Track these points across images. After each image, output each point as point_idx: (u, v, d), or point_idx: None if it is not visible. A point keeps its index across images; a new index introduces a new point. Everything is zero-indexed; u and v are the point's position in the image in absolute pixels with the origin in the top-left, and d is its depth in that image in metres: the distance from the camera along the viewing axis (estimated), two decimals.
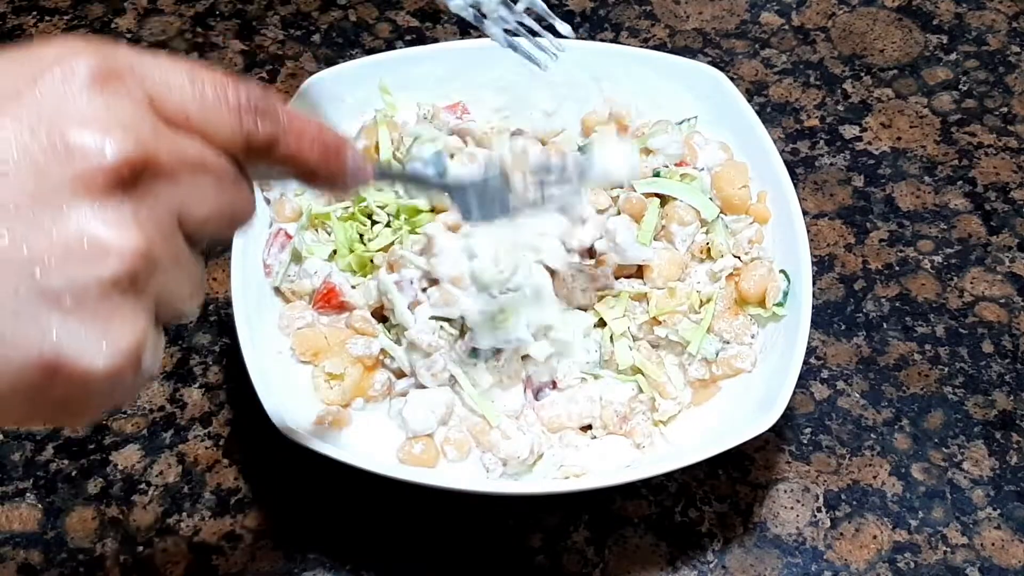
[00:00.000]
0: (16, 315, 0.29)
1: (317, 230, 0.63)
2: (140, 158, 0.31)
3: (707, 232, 0.63)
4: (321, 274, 0.61)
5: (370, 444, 0.58)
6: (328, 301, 0.61)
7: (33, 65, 0.31)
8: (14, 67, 0.31)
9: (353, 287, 0.61)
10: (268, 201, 0.64)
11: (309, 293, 0.61)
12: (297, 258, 0.62)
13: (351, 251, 0.62)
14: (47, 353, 0.30)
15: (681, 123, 0.67)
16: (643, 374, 0.59)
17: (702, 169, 0.65)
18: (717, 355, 0.60)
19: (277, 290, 0.62)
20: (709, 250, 0.63)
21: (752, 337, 0.61)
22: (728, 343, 0.60)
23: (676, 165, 0.64)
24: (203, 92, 0.34)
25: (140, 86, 0.32)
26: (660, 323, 0.60)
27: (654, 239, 0.62)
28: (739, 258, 0.63)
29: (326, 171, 0.38)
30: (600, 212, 0.62)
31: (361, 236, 0.63)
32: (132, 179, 0.31)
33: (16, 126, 0.30)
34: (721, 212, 0.64)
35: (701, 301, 0.61)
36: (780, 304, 0.60)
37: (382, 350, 0.60)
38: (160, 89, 0.33)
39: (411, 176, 0.51)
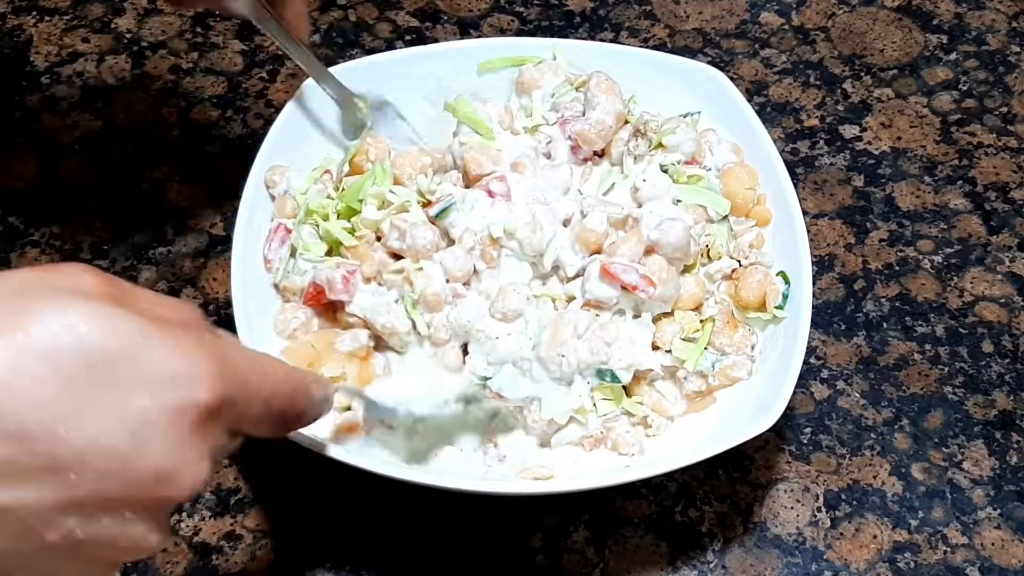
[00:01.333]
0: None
1: (318, 225, 0.63)
2: (204, 481, 0.37)
3: (709, 234, 0.63)
4: (312, 272, 0.61)
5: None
6: (318, 301, 0.61)
7: (147, 381, 0.34)
8: (131, 371, 0.34)
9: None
10: (273, 198, 0.64)
11: (301, 289, 0.61)
12: (295, 252, 0.62)
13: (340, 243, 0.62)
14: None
15: (685, 116, 0.67)
16: (636, 400, 0.60)
17: (709, 169, 0.65)
18: (714, 367, 0.60)
19: (277, 287, 0.62)
20: (708, 251, 0.63)
21: (752, 348, 0.61)
22: (726, 355, 0.60)
23: (686, 163, 0.64)
24: (269, 416, 0.41)
25: (233, 415, 0.38)
26: (656, 348, 0.60)
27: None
28: (739, 262, 0.63)
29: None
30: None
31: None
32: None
33: (118, 432, 0.34)
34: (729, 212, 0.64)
35: (700, 321, 0.61)
36: (780, 307, 0.60)
37: (372, 336, 0.60)
38: (243, 415, 0.39)
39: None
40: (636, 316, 0.59)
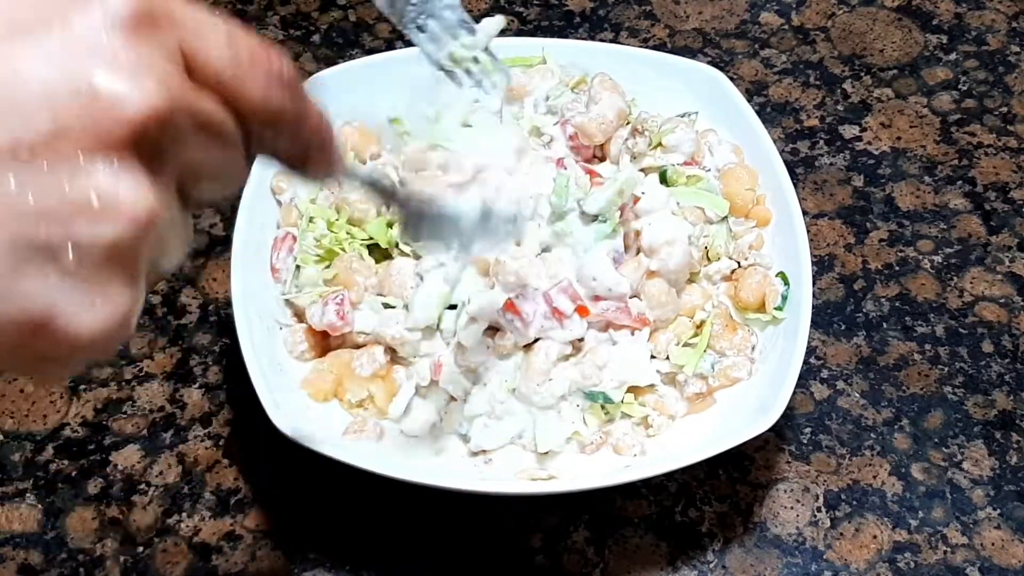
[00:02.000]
0: (12, 267, 0.28)
1: (321, 237, 0.63)
2: (165, 115, 0.29)
3: (707, 235, 0.63)
4: (318, 303, 0.61)
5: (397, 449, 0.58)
6: (326, 340, 0.61)
7: None
8: None
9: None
10: (279, 203, 0.64)
11: (306, 311, 0.61)
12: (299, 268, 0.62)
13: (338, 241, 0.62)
14: (38, 310, 0.29)
15: (683, 116, 0.67)
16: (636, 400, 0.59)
17: (708, 170, 0.65)
18: (713, 368, 0.60)
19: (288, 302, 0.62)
20: (707, 252, 0.63)
21: (752, 349, 0.61)
22: (726, 356, 0.60)
23: (684, 164, 0.64)
24: (238, 53, 0.32)
25: (175, 35, 0.30)
26: (653, 357, 0.60)
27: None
28: (738, 263, 0.63)
29: (316, 161, 0.37)
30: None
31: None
32: (153, 137, 0.29)
33: (41, 60, 0.28)
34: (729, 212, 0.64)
35: (696, 326, 0.61)
36: (779, 308, 0.60)
37: (391, 352, 0.60)
38: (195, 42, 0.31)
39: (372, 181, 0.48)
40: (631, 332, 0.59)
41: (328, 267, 0.62)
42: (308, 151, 0.36)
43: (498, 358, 0.58)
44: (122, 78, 0.28)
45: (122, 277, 0.30)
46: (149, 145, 0.29)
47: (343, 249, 0.62)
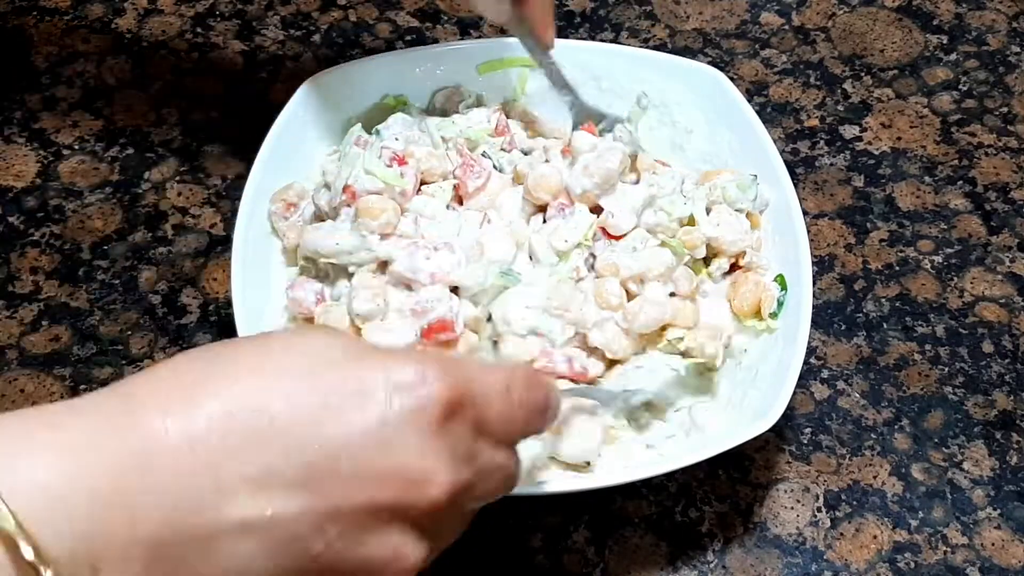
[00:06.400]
0: None
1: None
2: (459, 489, 0.38)
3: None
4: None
5: None
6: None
7: (385, 388, 0.37)
8: (369, 381, 0.37)
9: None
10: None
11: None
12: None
13: None
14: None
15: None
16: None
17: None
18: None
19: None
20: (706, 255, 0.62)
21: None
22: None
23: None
24: (511, 407, 0.40)
25: (473, 414, 0.38)
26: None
27: None
28: (737, 263, 0.63)
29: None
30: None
31: None
32: (444, 510, 0.38)
33: (362, 440, 0.36)
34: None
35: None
36: (774, 315, 0.60)
37: None
38: (483, 410, 0.39)
39: None
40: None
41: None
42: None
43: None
44: (426, 469, 0.37)
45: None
46: (435, 517, 0.38)
47: None
